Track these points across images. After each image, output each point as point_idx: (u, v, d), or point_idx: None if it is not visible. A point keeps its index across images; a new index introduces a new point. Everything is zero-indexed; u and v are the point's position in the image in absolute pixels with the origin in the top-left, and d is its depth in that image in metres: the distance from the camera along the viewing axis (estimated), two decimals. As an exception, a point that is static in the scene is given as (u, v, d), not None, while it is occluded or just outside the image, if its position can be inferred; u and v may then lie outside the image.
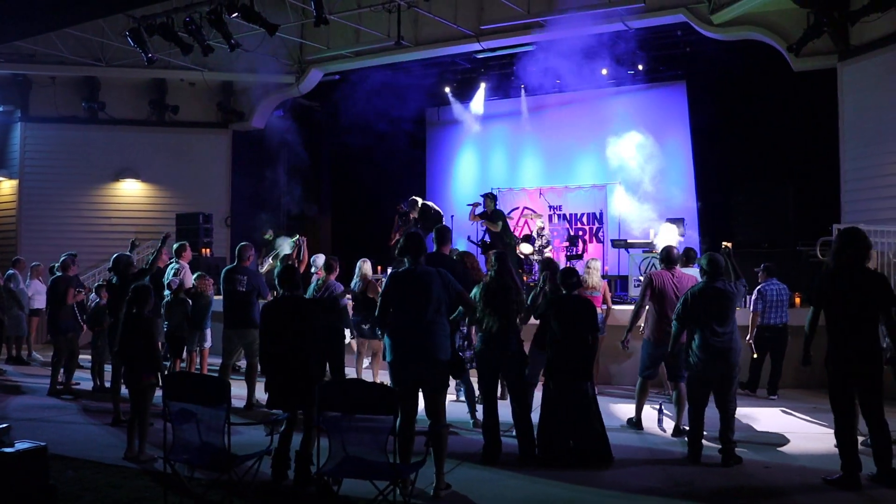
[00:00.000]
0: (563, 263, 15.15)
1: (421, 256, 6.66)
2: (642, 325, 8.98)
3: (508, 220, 15.55)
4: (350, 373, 10.78)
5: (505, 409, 7.74)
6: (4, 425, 6.28)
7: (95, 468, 7.14)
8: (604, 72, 17.07)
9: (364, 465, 5.22)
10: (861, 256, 6.85)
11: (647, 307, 8.76)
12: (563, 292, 7.68)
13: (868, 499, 6.34)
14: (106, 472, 7.01)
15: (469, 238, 16.29)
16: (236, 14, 13.10)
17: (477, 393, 8.35)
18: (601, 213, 18.00)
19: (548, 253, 15.45)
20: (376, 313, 6.63)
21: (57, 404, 10.36)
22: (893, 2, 11.52)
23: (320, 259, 11.02)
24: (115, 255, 9.83)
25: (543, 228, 16.04)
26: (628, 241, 14.39)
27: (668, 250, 8.79)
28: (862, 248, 6.84)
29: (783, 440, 8.36)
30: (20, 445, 5.95)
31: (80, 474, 6.89)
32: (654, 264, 11.67)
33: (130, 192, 18.95)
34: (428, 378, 6.43)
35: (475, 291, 7.76)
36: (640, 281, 10.91)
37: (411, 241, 6.65)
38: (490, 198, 15.01)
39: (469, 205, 15.10)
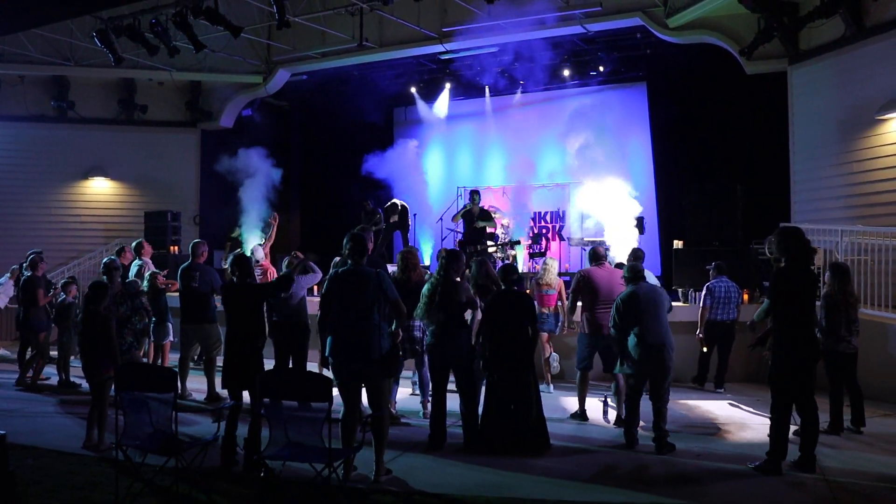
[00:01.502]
0: (526, 261, 15.61)
1: (364, 258, 6.98)
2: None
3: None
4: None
5: (454, 401, 8.10)
6: (-35, 416, 6.57)
7: (55, 456, 7.45)
8: (566, 73, 17.46)
9: (302, 448, 5.55)
10: (808, 255, 7.28)
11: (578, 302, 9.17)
12: (504, 287, 8.05)
13: (785, 482, 6.73)
14: (65, 460, 7.33)
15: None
16: (202, 17, 13.36)
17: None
18: (563, 212, 18.37)
19: (511, 251, 15.82)
20: (319, 311, 6.95)
21: (22, 396, 10.65)
22: (837, 9, 11.96)
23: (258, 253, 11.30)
24: (105, 260, 10.08)
25: (508, 226, 16.44)
26: (586, 238, 14.77)
27: (594, 249, 9.36)
28: (808, 247, 7.27)
29: (721, 430, 8.76)
30: (-20, 434, 6.23)
31: (39, 462, 7.19)
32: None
33: (100, 190, 19.12)
34: (366, 373, 6.75)
35: (426, 288, 8.11)
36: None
37: (357, 242, 6.97)
38: (477, 195, 15.52)
39: (466, 204, 15.58)
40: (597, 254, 9.24)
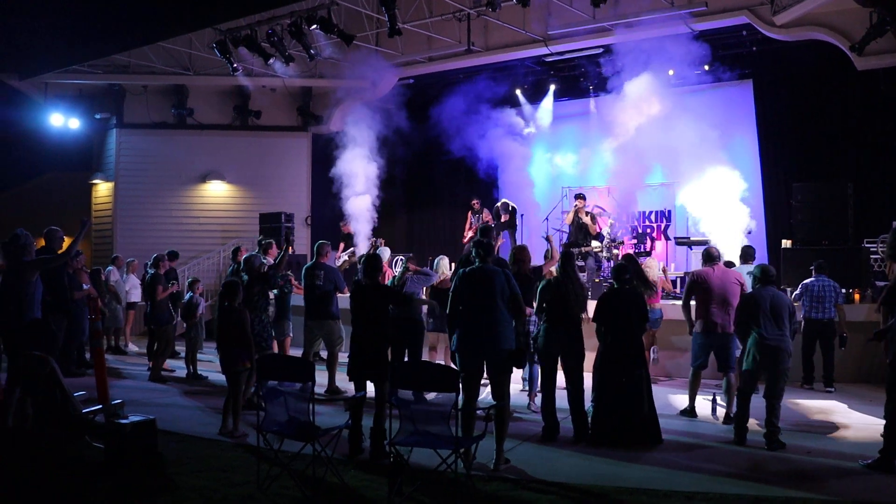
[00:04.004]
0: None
1: (490, 257, 7.47)
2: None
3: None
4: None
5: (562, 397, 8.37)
6: (118, 401, 7.19)
7: (195, 441, 8.05)
8: (670, 72, 17.41)
9: (430, 436, 5.92)
10: None
11: (692, 302, 9.29)
12: (615, 286, 8.28)
13: (897, 481, 6.77)
14: (204, 445, 7.92)
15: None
16: (315, 26, 13.99)
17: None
18: (669, 211, 18.33)
19: (616, 250, 15.94)
20: (448, 309, 7.35)
21: (157, 387, 11.39)
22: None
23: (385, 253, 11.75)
24: (245, 256, 10.62)
25: (613, 226, 16.56)
26: (691, 238, 14.79)
27: (707, 250, 9.46)
28: None
29: (832, 429, 8.77)
30: (133, 418, 6.86)
31: (181, 446, 7.79)
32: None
33: (216, 192, 20.05)
34: (493, 364, 7.13)
35: (542, 285, 8.41)
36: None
37: (482, 245, 7.47)
38: (583, 198, 15.86)
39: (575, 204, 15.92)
40: (710, 255, 9.34)
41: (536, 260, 12.05)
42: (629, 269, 8.52)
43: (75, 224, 9.74)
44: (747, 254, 10.99)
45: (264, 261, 12.33)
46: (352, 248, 15.99)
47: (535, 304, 8.51)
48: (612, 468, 7.14)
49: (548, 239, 11.34)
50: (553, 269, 9.18)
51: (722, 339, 8.95)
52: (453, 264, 11.14)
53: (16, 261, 8.46)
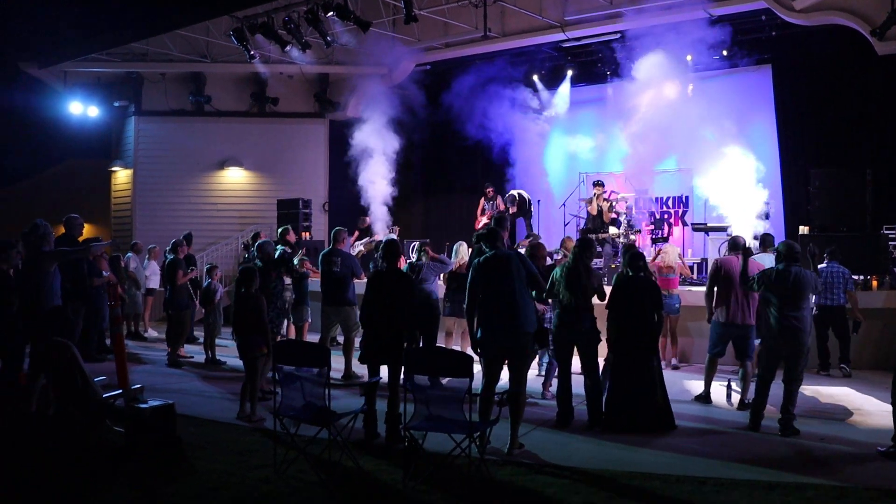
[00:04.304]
0: (648, 246, 15.66)
1: (498, 243, 7.45)
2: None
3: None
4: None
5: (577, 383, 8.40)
6: (138, 386, 7.29)
7: (213, 425, 8.17)
8: (688, 58, 17.30)
9: (444, 420, 5.98)
10: None
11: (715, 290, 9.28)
12: (630, 273, 8.28)
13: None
14: (222, 429, 8.03)
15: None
16: (332, 13, 14.01)
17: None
18: (686, 197, 18.26)
19: (633, 236, 15.92)
20: (465, 301, 7.40)
21: (176, 372, 11.55)
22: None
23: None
24: (258, 243, 10.67)
25: (630, 211, 16.52)
26: (708, 224, 14.73)
27: (734, 239, 9.45)
28: None
29: (847, 416, 8.75)
30: (152, 403, 6.96)
31: (200, 430, 7.90)
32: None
33: (234, 179, 20.18)
34: (515, 349, 7.16)
35: (556, 272, 8.44)
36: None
37: (490, 233, 7.55)
38: (601, 185, 16.02)
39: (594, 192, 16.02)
40: (736, 244, 9.33)
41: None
42: (643, 257, 8.50)
43: (95, 211, 9.96)
44: (766, 241, 10.95)
45: (282, 247, 12.47)
46: (367, 238, 16.04)
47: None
48: (626, 453, 7.18)
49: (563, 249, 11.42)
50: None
51: (742, 329, 8.94)
52: (470, 250, 11.18)
53: (35, 251, 8.57)
